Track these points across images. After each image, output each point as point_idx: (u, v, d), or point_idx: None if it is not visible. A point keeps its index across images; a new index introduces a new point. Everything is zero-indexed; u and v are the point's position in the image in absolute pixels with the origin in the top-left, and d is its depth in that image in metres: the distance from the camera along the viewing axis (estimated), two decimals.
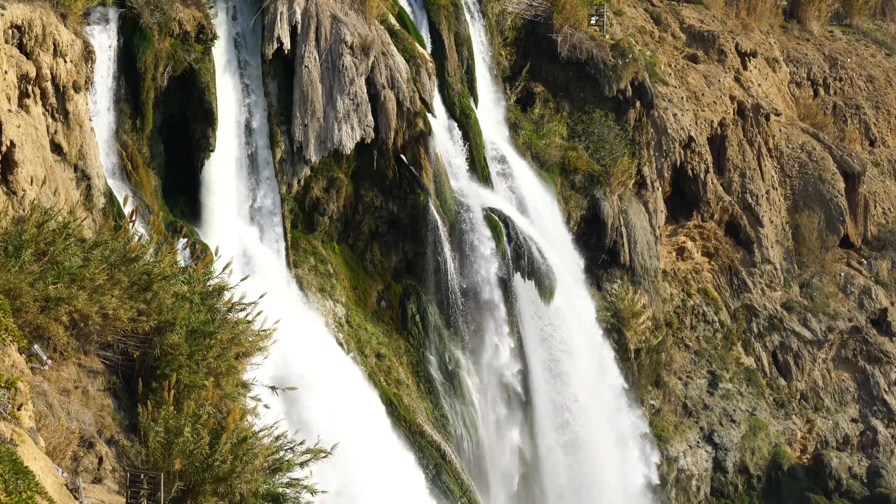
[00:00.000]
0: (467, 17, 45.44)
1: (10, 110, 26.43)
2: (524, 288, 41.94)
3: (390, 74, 38.69)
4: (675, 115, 52.34)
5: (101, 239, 21.66)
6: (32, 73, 28.13)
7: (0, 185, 25.88)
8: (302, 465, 20.35)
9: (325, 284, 38.27)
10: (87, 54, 31.18)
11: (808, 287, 56.97)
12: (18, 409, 16.15)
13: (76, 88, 29.76)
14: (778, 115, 59.35)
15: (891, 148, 65.68)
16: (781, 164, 59.00)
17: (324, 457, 20.57)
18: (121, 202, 30.55)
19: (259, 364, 22.54)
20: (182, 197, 35.55)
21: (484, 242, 40.69)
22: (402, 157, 39.53)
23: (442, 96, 42.92)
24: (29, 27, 28.14)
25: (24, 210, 24.39)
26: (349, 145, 37.73)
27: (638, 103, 49.61)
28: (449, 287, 40.02)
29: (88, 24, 32.55)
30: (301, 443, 20.44)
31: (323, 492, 20.69)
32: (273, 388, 22.72)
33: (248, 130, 37.00)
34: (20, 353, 17.37)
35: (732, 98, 55.91)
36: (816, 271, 57.60)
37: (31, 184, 26.06)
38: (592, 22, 51.05)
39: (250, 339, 22.04)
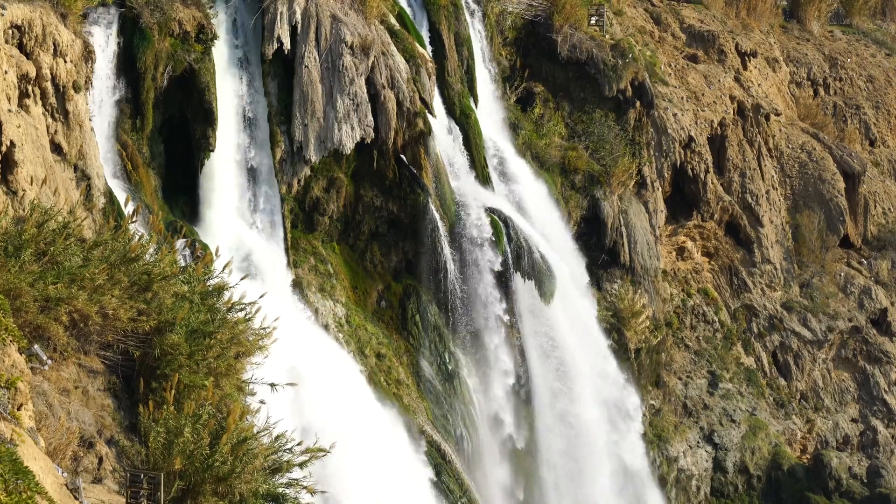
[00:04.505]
0: (467, 17, 45.44)
1: (10, 110, 26.43)
2: (524, 288, 41.94)
3: (390, 74, 38.70)
4: (675, 115, 52.35)
5: (101, 239, 21.66)
6: (32, 73, 28.13)
7: (0, 185, 25.89)
8: (301, 465, 20.37)
9: (325, 284, 38.28)
10: (87, 54, 31.18)
11: (808, 287, 56.98)
12: (18, 409, 16.15)
13: (76, 88, 29.76)
14: (778, 115, 59.35)
15: (891, 148, 65.67)
16: (781, 164, 59.00)
17: (322, 456, 20.57)
18: (121, 202, 30.58)
19: (259, 363, 22.55)
20: (182, 197, 35.56)
21: (484, 242, 40.69)
22: (402, 157, 39.54)
23: (442, 96, 42.92)
24: (29, 27, 28.14)
25: (24, 210, 24.39)
26: (349, 145, 37.74)
27: (638, 103, 49.61)
28: (449, 287, 40.02)
29: (88, 24, 32.56)
30: (300, 443, 20.46)
31: (322, 492, 20.70)
32: (273, 385, 22.72)
33: (248, 130, 37.02)
34: (20, 353, 17.37)
35: (732, 98, 55.91)
36: (816, 271, 57.60)
37: (31, 184, 26.07)
38: (592, 22, 51.05)
39: (250, 338, 22.04)
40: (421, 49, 41.14)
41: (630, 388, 46.83)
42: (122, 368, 21.03)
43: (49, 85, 28.91)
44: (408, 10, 42.81)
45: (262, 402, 22.10)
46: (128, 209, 25.63)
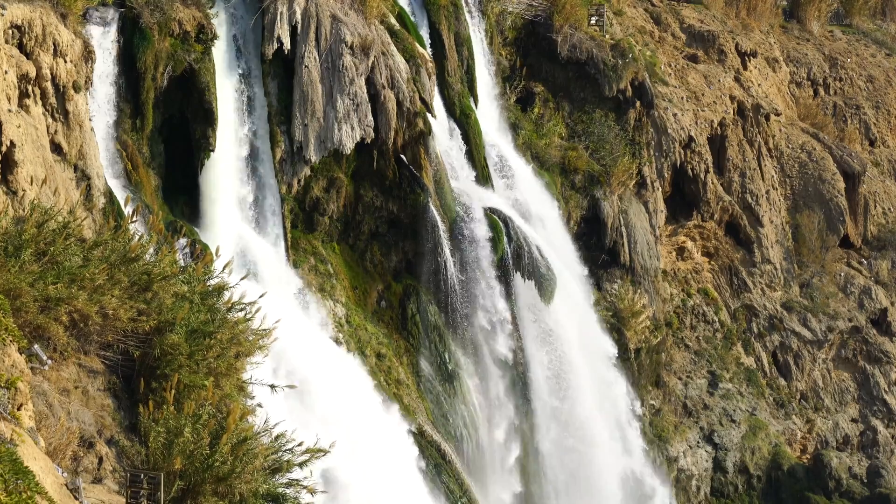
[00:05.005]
0: (467, 17, 45.45)
1: (10, 110, 26.43)
2: (524, 288, 41.94)
3: (390, 74, 38.71)
4: (675, 115, 52.35)
5: (101, 239, 21.66)
6: (32, 73, 28.13)
7: (0, 185, 25.89)
8: (301, 465, 20.37)
9: (325, 284, 38.29)
10: (87, 54, 31.18)
11: (808, 287, 56.98)
12: (18, 409, 16.16)
13: (76, 88, 29.76)
14: (778, 115, 59.35)
15: (891, 148, 65.68)
16: (781, 164, 59.00)
17: (322, 456, 20.57)
18: (121, 202, 30.59)
19: (259, 363, 22.55)
20: (182, 197, 35.56)
21: (484, 242, 40.70)
22: (402, 157, 39.54)
23: (442, 96, 42.93)
24: (29, 27, 28.14)
25: (24, 210, 24.39)
26: (349, 145, 37.74)
27: (638, 103, 49.61)
28: (449, 287, 40.03)
29: (88, 24, 32.56)
30: (300, 443, 20.46)
31: (323, 492, 20.70)
32: (273, 386, 22.73)
33: (248, 130, 37.02)
34: (20, 353, 17.37)
35: (732, 98, 55.92)
36: (816, 271, 57.61)
37: (31, 184, 26.07)
38: (592, 22, 51.05)
39: (250, 338, 22.04)
40: (421, 49, 41.14)
41: (629, 388, 46.88)
42: (122, 368, 21.03)
43: (49, 85, 28.91)
44: (408, 10, 42.81)
45: (259, 405, 22.10)
46: (128, 209, 25.63)
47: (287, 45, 36.96)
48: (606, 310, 47.09)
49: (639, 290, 48.46)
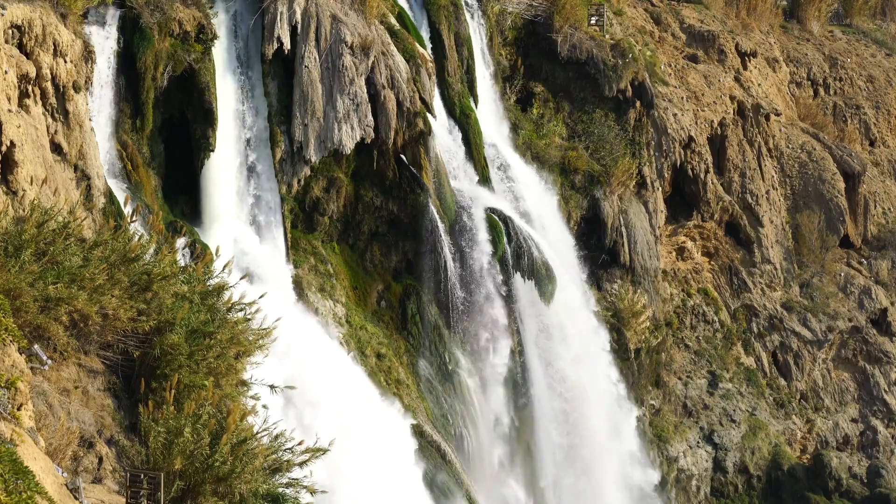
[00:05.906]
0: (467, 17, 45.47)
1: (10, 110, 26.43)
2: (524, 288, 41.96)
3: (390, 74, 38.71)
4: (675, 115, 52.35)
5: (101, 239, 21.64)
6: (32, 73, 28.13)
7: (0, 185, 25.89)
8: (301, 465, 20.36)
9: (325, 284, 38.29)
10: (87, 54, 31.19)
11: (808, 287, 56.98)
12: (18, 409, 16.16)
13: (76, 88, 29.76)
14: (778, 115, 59.35)
15: (891, 148, 65.67)
16: (781, 164, 59.00)
17: (321, 455, 20.56)
18: (121, 202, 30.60)
19: (259, 363, 22.53)
20: (182, 197, 35.58)
21: (484, 242, 40.71)
22: (402, 157, 39.55)
23: (442, 96, 42.94)
24: (29, 27, 28.14)
25: (24, 210, 24.38)
26: (349, 145, 37.76)
27: (638, 103, 49.61)
28: (449, 287, 40.03)
29: (88, 24, 32.58)
30: (300, 443, 20.46)
31: (322, 492, 20.70)
32: (272, 386, 22.71)
33: (249, 130, 37.03)
34: (20, 353, 17.37)
35: (732, 98, 55.92)
36: (816, 271, 57.61)
37: (31, 184, 26.07)
38: (592, 22, 51.06)
39: (250, 338, 22.02)
40: (421, 49, 41.15)
41: (628, 388, 46.89)
42: (122, 368, 21.02)
43: (49, 85, 28.91)
44: (408, 10, 42.83)
45: (264, 406, 22.08)
46: (128, 209, 25.63)
47: (287, 45, 36.97)
48: (606, 310, 47.09)
49: (639, 290, 48.47)
